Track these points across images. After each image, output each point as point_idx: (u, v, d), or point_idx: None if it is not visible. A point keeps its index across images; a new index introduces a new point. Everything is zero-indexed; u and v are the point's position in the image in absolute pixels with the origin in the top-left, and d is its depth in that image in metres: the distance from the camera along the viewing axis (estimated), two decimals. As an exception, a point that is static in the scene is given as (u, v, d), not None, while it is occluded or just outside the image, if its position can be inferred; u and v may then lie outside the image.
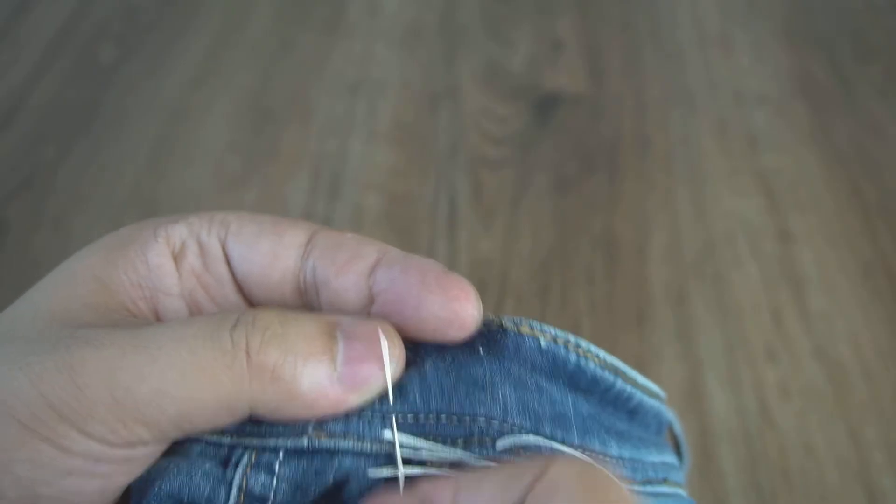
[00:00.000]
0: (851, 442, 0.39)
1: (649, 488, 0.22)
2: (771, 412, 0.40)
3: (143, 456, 0.17)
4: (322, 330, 0.17)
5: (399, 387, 0.19)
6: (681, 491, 0.23)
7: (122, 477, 0.17)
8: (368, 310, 0.19)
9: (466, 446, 0.18)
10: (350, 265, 0.19)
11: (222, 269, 0.20)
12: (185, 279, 0.20)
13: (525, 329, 0.19)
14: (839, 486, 0.37)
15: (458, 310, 0.18)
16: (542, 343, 0.19)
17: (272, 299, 0.20)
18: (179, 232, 0.20)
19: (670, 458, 0.24)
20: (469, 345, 0.19)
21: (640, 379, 0.22)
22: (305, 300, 0.20)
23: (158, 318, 0.19)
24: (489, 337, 0.19)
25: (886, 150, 0.53)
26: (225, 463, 0.18)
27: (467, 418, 0.18)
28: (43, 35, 0.62)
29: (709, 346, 0.42)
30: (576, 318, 0.43)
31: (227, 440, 0.18)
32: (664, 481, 0.22)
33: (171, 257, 0.19)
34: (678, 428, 0.28)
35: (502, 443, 0.18)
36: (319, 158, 0.53)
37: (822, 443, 0.39)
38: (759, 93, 0.57)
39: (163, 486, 0.17)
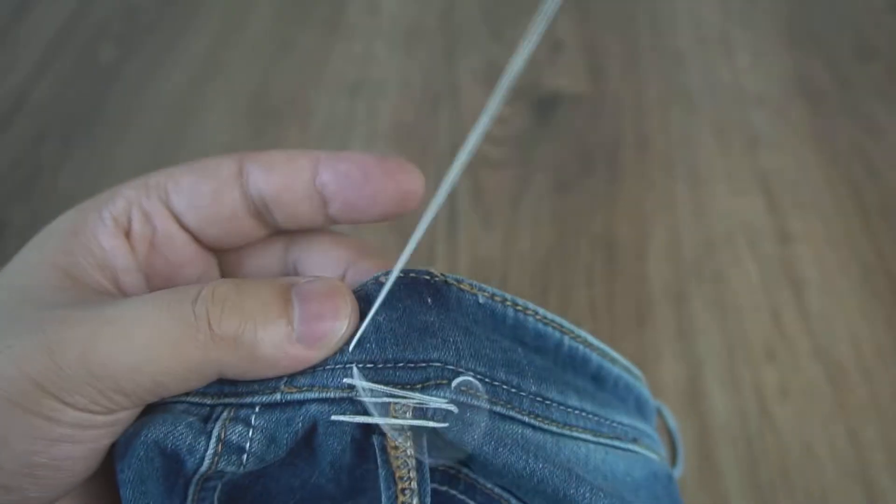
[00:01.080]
0: (851, 442, 0.39)
1: (618, 444, 0.22)
2: (771, 412, 0.40)
3: (125, 418, 0.19)
4: (277, 294, 0.18)
5: (354, 365, 0.20)
6: (654, 456, 0.24)
7: (107, 438, 0.18)
8: (326, 211, 0.21)
9: (424, 389, 0.19)
10: (293, 179, 0.21)
11: (171, 226, 0.21)
12: (139, 249, 0.21)
13: (465, 286, 0.21)
14: (839, 487, 0.37)
15: (409, 189, 0.21)
16: (480, 299, 0.21)
17: (230, 233, 0.22)
18: (121, 207, 0.21)
19: (649, 430, 0.24)
20: (418, 295, 0.20)
21: (594, 340, 0.22)
22: (262, 222, 0.22)
23: (122, 293, 0.21)
24: (435, 288, 0.21)
25: (886, 150, 0.53)
26: (206, 419, 0.19)
27: (423, 364, 0.20)
28: (43, 35, 0.62)
29: (709, 346, 0.42)
30: (576, 319, 0.43)
31: (208, 401, 0.19)
32: (634, 441, 0.23)
33: (121, 237, 0.21)
34: (672, 423, 0.28)
35: (457, 382, 0.19)
36: (319, 158, 0.53)
37: (822, 443, 0.39)
38: (759, 93, 0.57)
39: (149, 435, 0.18)
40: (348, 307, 0.19)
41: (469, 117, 0.56)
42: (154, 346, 0.17)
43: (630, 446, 0.22)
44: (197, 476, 0.19)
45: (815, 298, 0.45)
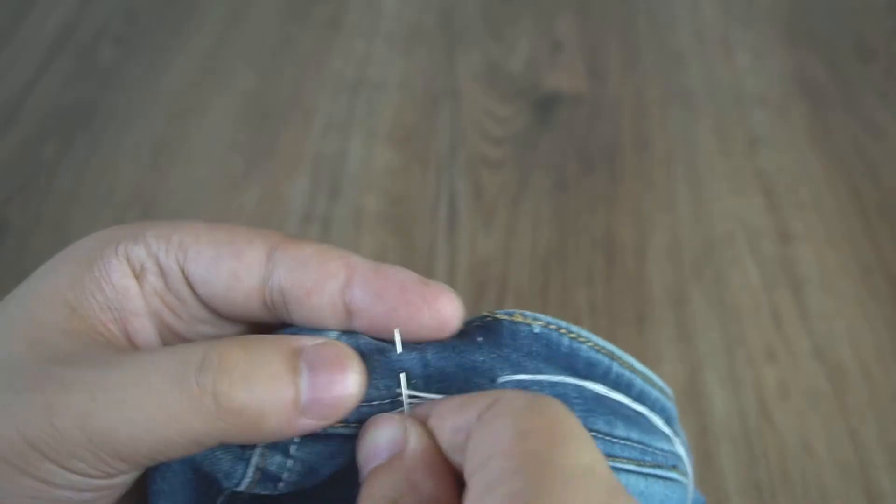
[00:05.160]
0: (851, 442, 0.39)
1: (659, 472, 0.22)
2: (771, 412, 0.40)
3: (126, 480, 0.18)
4: (286, 363, 0.18)
5: (403, 372, 0.20)
6: (690, 483, 0.24)
7: (106, 500, 0.18)
8: (348, 323, 0.20)
9: None
10: (322, 285, 0.20)
11: (184, 288, 0.20)
12: (149, 299, 0.20)
13: (518, 318, 0.20)
14: (839, 487, 0.37)
15: (446, 318, 0.19)
16: (535, 329, 0.20)
17: (239, 315, 0.21)
18: (138, 253, 0.20)
19: (679, 449, 0.24)
20: (469, 335, 0.20)
21: (639, 365, 0.22)
22: (274, 314, 0.21)
23: (129, 339, 0.20)
24: (486, 327, 0.20)
25: (886, 150, 0.53)
26: (242, 446, 0.19)
27: None
28: (43, 35, 0.62)
29: (709, 346, 0.42)
30: (576, 318, 0.43)
31: None
32: (674, 468, 0.23)
33: (133, 277, 0.20)
34: (679, 429, 0.28)
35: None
36: (319, 158, 0.53)
37: (822, 443, 0.39)
38: (759, 93, 0.57)
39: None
40: (358, 377, 0.18)
41: (469, 117, 0.56)
42: (154, 416, 0.16)
43: (669, 474, 0.22)
44: (228, 493, 0.19)
45: (815, 298, 0.45)
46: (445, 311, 0.19)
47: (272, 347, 0.18)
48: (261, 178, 0.52)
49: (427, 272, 0.45)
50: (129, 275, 0.20)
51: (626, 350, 0.26)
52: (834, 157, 0.53)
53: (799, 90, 0.57)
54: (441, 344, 0.20)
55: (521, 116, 0.56)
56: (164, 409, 0.16)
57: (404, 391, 0.19)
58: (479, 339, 0.20)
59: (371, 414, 0.19)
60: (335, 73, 0.59)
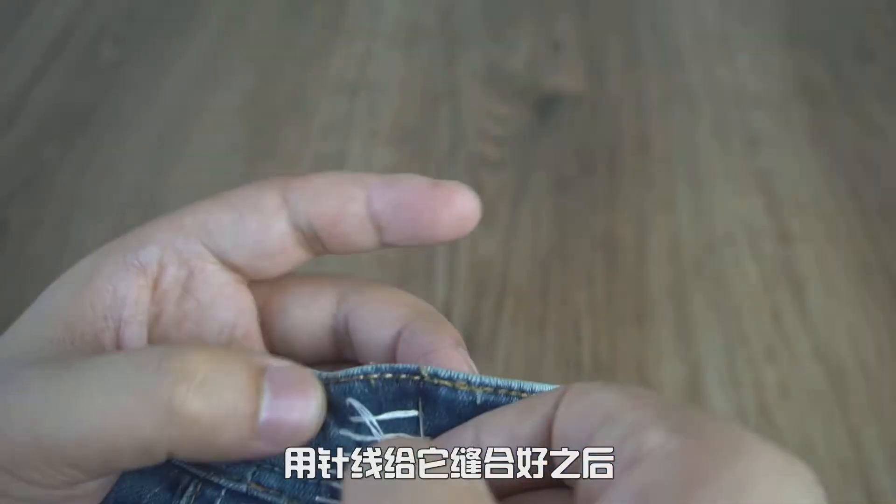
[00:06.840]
0: (851, 442, 0.39)
1: None
2: (771, 412, 0.40)
3: (92, 489, 0.17)
4: (251, 380, 0.17)
5: (336, 448, 0.19)
6: None
7: None
8: (380, 238, 0.21)
9: None
10: (344, 210, 0.20)
11: (208, 267, 0.20)
12: (171, 294, 0.20)
13: (461, 384, 0.19)
14: (839, 486, 0.37)
15: (465, 215, 0.20)
16: (479, 399, 0.19)
17: (278, 265, 0.21)
18: (153, 253, 0.20)
19: None
20: (402, 403, 0.19)
21: None
22: (310, 249, 0.21)
23: (119, 346, 0.19)
24: (424, 392, 0.19)
25: (886, 151, 0.53)
26: (173, 487, 0.19)
27: None
28: (43, 35, 0.62)
29: (709, 346, 0.42)
30: (576, 318, 0.43)
31: (176, 461, 0.18)
32: None
33: (136, 285, 0.19)
34: None
35: None
36: (319, 158, 0.53)
37: (822, 443, 0.39)
38: (759, 93, 0.57)
39: (119, 492, 0.18)
40: (320, 403, 0.18)
41: (469, 117, 0.56)
42: (104, 417, 0.16)
43: None
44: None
45: (815, 298, 0.45)
46: (464, 209, 0.20)
47: (238, 360, 0.17)
48: (261, 178, 0.51)
49: (427, 272, 0.45)
50: (136, 283, 0.19)
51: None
52: (834, 157, 0.53)
53: (799, 90, 0.57)
54: (376, 408, 0.19)
55: (521, 116, 0.56)
56: (113, 412, 0.16)
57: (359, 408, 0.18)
58: (415, 409, 0.19)
59: (298, 488, 0.18)
60: (335, 74, 0.59)
